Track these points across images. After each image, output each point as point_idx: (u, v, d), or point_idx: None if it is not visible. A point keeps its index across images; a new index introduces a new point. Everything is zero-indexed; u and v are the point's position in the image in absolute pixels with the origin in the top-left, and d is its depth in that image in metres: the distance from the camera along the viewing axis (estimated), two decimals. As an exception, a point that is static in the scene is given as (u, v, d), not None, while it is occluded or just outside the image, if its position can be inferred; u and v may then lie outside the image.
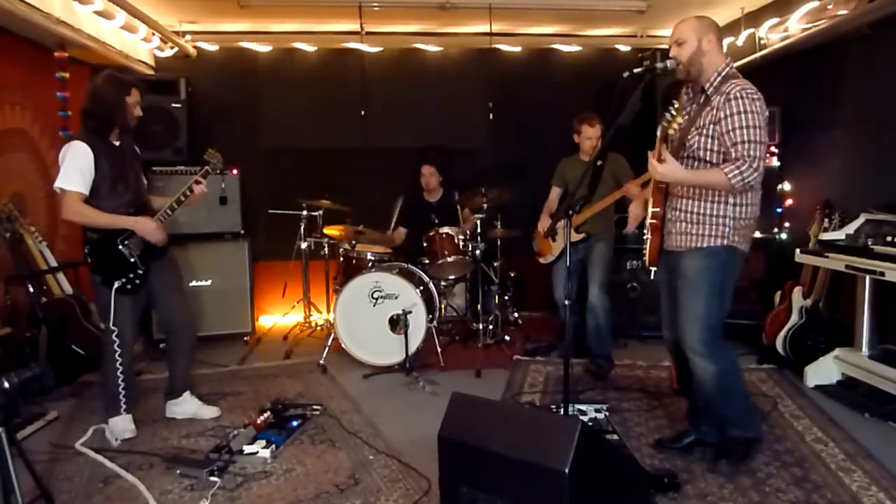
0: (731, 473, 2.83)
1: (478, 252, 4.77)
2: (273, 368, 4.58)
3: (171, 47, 5.44)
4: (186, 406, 3.62)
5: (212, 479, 2.85)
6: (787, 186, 4.90)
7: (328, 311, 5.20)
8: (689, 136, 2.78)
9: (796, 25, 4.46)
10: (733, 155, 2.63)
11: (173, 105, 5.05)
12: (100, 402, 3.49)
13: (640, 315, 5.08)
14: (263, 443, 3.16)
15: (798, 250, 4.03)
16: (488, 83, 5.96)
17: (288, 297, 5.41)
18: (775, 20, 4.71)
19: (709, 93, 2.76)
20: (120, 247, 3.27)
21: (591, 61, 6.12)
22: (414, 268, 4.72)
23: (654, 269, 2.99)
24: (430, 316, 4.45)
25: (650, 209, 2.90)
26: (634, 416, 3.58)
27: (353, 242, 4.73)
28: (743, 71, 2.88)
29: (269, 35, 5.78)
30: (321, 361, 4.50)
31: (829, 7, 4.17)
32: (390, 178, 5.80)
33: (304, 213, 5.17)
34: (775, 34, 4.73)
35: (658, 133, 2.75)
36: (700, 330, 2.79)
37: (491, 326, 5.03)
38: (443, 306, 5.15)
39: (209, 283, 5.07)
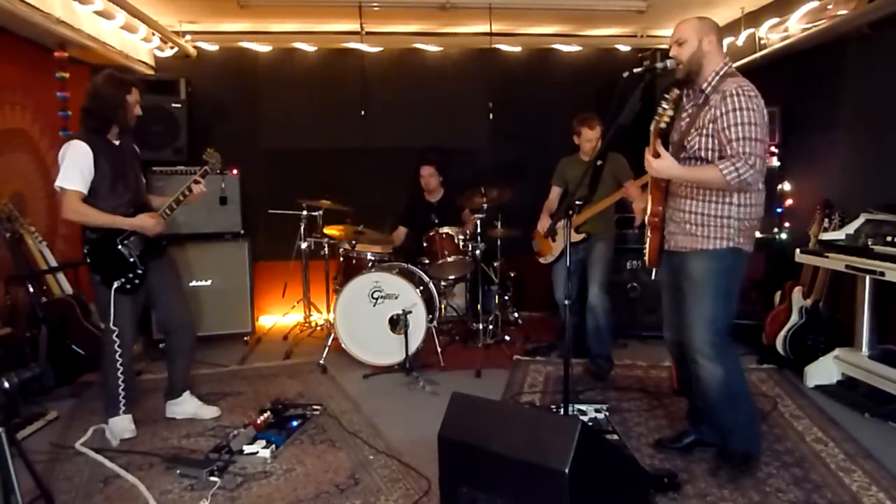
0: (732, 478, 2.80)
1: (478, 252, 4.78)
2: (273, 368, 4.58)
3: (171, 47, 5.44)
4: (186, 406, 3.62)
5: (212, 479, 2.85)
6: (787, 186, 4.91)
7: (328, 311, 5.20)
8: (689, 138, 2.78)
9: (796, 25, 4.46)
10: (729, 152, 2.62)
11: (173, 105, 5.05)
12: (100, 402, 3.49)
13: (640, 315, 5.08)
14: (263, 443, 3.16)
15: (798, 250, 4.03)
16: (488, 83, 5.96)
17: (288, 297, 5.41)
18: (775, 20, 4.71)
19: (707, 92, 2.76)
20: (119, 246, 3.27)
21: (591, 61, 6.12)
22: (414, 268, 4.72)
23: (654, 269, 2.99)
24: (430, 316, 4.45)
25: (650, 207, 2.90)
26: (634, 416, 3.58)
27: (353, 242, 4.74)
28: (743, 71, 2.88)
29: (269, 35, 5.78)
30: (321, 361, 4.50)
31: (829, 7, 4.17)
32: (390, 178, 5.81)
33: (304, 213, 5.17)
34: (775, 34, 4.73)
35: (651, 128, 2.75)
36: (708, 333, 2.76)
37: (491, 326, 5.03)
38: (443, 306, 5.15)
39: (209, 283, 5.07)
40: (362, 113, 5.75)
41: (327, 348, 4.58)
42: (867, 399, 3.59)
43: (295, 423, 3.44)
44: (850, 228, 3.83)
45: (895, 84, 3.88)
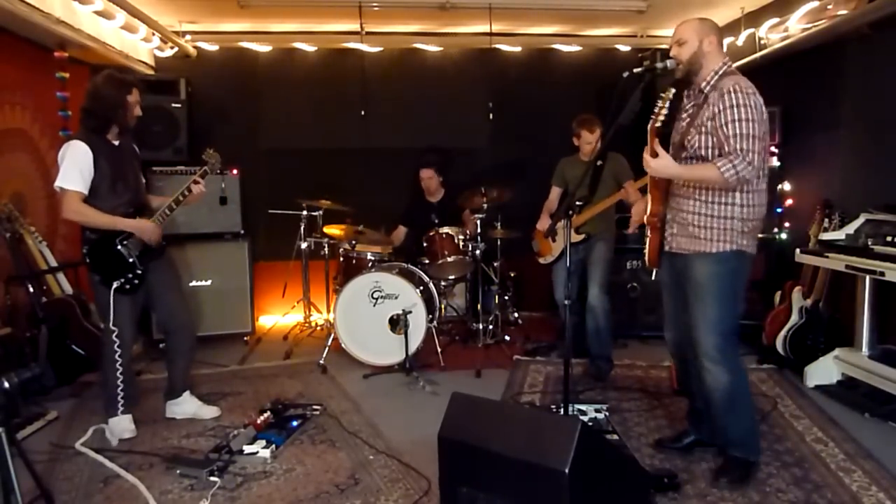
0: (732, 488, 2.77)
1: (478, 252, 4.78)
2: (273, 368, 4.58)
3: (171, 47, 5.44)
4: (186, 406, 3.61)
5: (212, 479, 2.85)
6: (787, 186, 4.91)
7: (328, 311, 5.20)
8: (689, 137, 2.77)
9: (796, 25, 4.46)
10: (727, 149, 2.61)
11: (173, 105, 5.05)
12: (100, 402, 3.49)
13: (640, 315, 5.07)
14: (263, 443, 3.16)
15: (798, 250, 4.03)
16: (488, 83, 5.97)
17: (288, 297, 5.41)
18: (775, 20, 4.71)
19: (706, 91, 2.76)
20: (119, 247, 3.27)
21: (591, 61, 6.12)
22: (414, 268, 4.72)
23: (655, 269, 2.98)
24: (430, 316, 4.45)
25: (649, 207, 2.90)
26: (634, 416, 3.58)
27: (353, 242, 4.74)
28: (743, 71, 2.88)
29: (269, 35, 5.78)
30: (321, 361, 4.50)
31: (829, 7, 4.17)
32: (390, 178, 5.81)
33: (304, 213, 5.17)
34: (775, 34, 4.73)
35: (648, 127, 2.74)
36: (715, 336, 2.74)
37: (491, 326, 5.03)
38: (443, 306, 5.15)
39: (209, 283, 5.07)
40: (362, 113, 5.75)
41: (327, 348, 4.58)
42: (867, 399, 3.59)
43: (295, 423, 3.44)
44: (850, 228, 3.83)
45: (895, 84, 3.88)
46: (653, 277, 3.00)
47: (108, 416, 3.36)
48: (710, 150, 2.71)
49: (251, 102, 5.87)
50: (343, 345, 4.48)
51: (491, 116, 5.85)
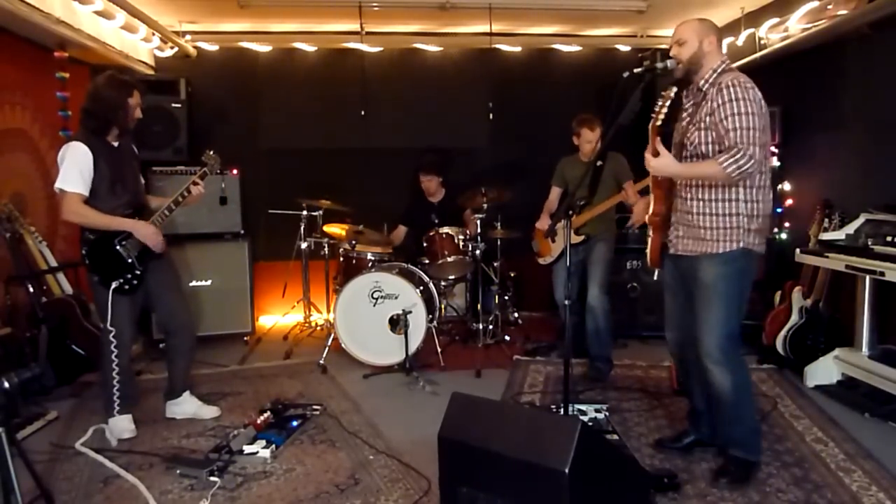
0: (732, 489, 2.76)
1: (478, 252, 4.78)
2: (273, 368, 4.58)
3: (171, 47, 5.44)
4: (186, 406, 3.61)
5: (212, 479, 2.85)
6: (787, 186, 4.91)
7: (328, 311, 5.20)
8: (688, 134, 2.77)
9: (796, 25, 4.46)
10: (728, 143, 2.60)
11: (173, 105, 5.05)
12: (100, 402, 3.48)
13: (640, 315, 5.07)
14: (263, 443, 3.15)
15: (798, 250, 4.03)
16: (488, 83, 5.96)
17: (288, 297, 5.41)
18: (775, 20, 4.71)
19: (704, 89, 2.76)
20: (118, 247, 3.27)
21: (591, 61, 6.12)
22: (414, 268, 4.72)
23: (657, 269, 2.97)
24: (430, 316, 4.45)
25: (651, 207, 2.89)
26: (634, 416, 3.58)
27: (353, 242, 4.74)
28: (743, 71, 2.87)
29: (269, 35, 5.78)
30: (321, 361, 4.50)
31: (829, 7, 4.17)
32: (390, 178, 5.81)
33: (304, 213, 5.17)
34: (775, 34, 4.73)
35: (649, 126, 2.74)
36: (719, 338, 2.73)
37: (491, 326, 5.03)
38: (443, 306, 5.15)
39: (209, 283, 5.07)
40: (362, 113, 5.75)
41: (327, 348, 4.58)
42: (867, 399, 3.59)
43: (295, 423, 3.44)
44: (850, 228, 3.83)
45: (895, 84, 3.88)
46: (655, 278, 2.99)
47: (107, 416, 3.36)
48: (709, 146, 2.71)
49: (251, 102, 5.87)
50: (343, 345, 4.48)
51: (491, 116, 5.85)
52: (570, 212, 3.01)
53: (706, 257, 2.75)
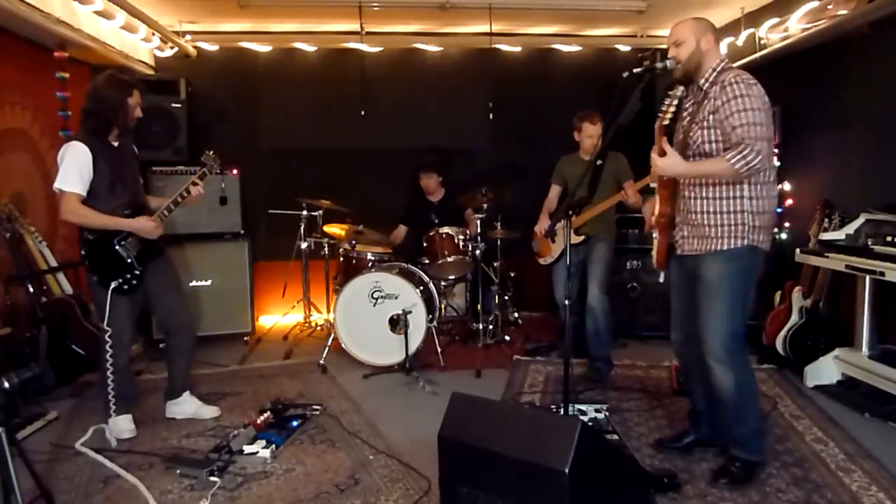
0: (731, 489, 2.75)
1: (478, 252, 4.78)
2: (273, 368, 4.58)
3: (171, 47, 5.44)
4: (186, 406, 3.61)
5: (212, 479, 2.85)
6: (787, 186, 4.90)
7: (328, 311, 5.20)
8: (691, 133, 2.76)
9: (796, 25, 4.46)
10: (733, 140, 2.59)
11: (173, 105, 5.05)
12: (100, 402, 3.47)
13: (640, 315, 5.07)
14: (263, 443, 3.15)
15: (798, 250, 4.03)
16: (488, 83, 5.97)
17: (288, 297, 5.41)
18: (775, 20, 4.71)
19: (704, 88, 2.76)
20: (117, 247, 3.27)
21: (591, 61, 6.12)
22: (414, 268, 4.72)
23: (662, 271, 2.96)
24: (430, 316, 4.45)
25: (656, 207, 2.88)
26: (634, 416, 3.58)
27: (353, 242, 4.74)
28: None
29: (269, 35, 5.78)
30: (321, 361, 4.50)
31: (829, 7, 4.17)
32: (390, 178, 5.81)
33: (304, 213, 5.17)
34: (775, 34, 4.72)
35: (655, 126, 2.74)
36: (724, 337, 2.72)
37: (491, 326, 5.03)
38: (443, 306, 5.15)
39: (209, 283, 5.07)
40: (362, 113, 5.75)
41: (327, 348, 4.58)
42: (867, 399, 3.59)
43: (295, 423, 3.44)
44: (850, 228, 3.83)
45: (895, 84, 3.88)
46: (661, 280, 2.97)
47: (107, 417, 3.36)
48: (713, 145, 2.70)
49: (251, 102, 5.87)
50: (343, 345, 4.48)
51: (491, 116, 5.85)
52: (570, 212, 3.00)
53: (710, 255, 2.73)
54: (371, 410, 3.72)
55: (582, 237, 4.19)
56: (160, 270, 3.46)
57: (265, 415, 3.41)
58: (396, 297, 4.37)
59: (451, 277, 5.10)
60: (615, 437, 3.22)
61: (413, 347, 4.28)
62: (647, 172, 3.76)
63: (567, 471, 2.00)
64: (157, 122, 4.92)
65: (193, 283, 4.97)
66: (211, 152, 3.51)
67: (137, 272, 3.31)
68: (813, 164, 4.67)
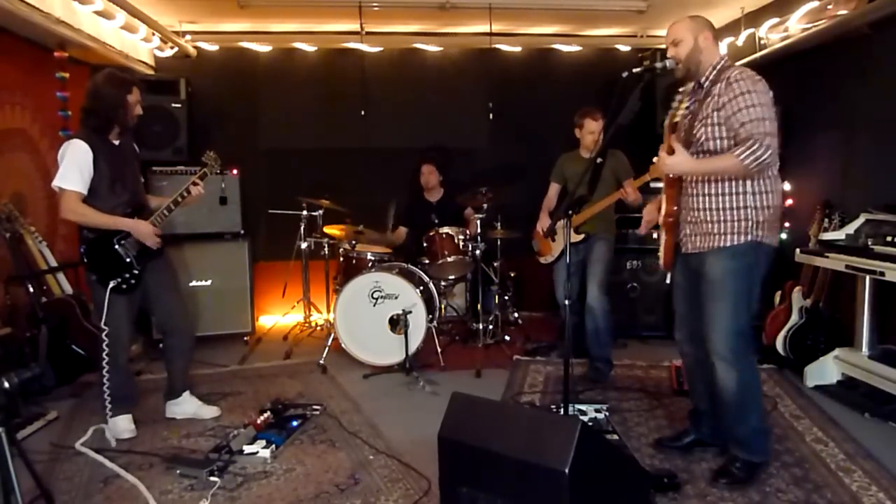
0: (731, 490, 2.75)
1: (478, 252, 4.78)
2: (273, 368, 4.58)
3: (171, 47, 5.44)
4: (186, 406, 3.61)
5: (212, 479, 2.85)
6: (787, 186, 4.90)
7: (328, 311, 5.20)
8: (694, 131, 2.75)
9: (796, 25, 4.46)
10: (742, 136, 2.58)
11: (173, 105, 5.05)
12: (99, 401, 3.47)
13: (640, 315, 5.07)
14: (263, 443, 3.15)
15: (798, 250, 4.03)
16: (488, 83, 5.97)
17: (288, 297, 5.41)
18: (775, 20, 4.71)
19: (706, 86, 2.76)
20: (116, 246, 3.27)
21: (591, 61, 6.12)
22: (414, 268, 4.72)
23: (668, 272, 2.95)
24: (430, 316, 4.45)
25: (663, 207, 2.87)
26: (634, 416, 3.58)
27: (353, 242, 4.74)
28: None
29: (269, 35, 5.78)
30: (321, 361, 4.50)
31: (829, 7, 4.17)
32: (390, 178, 5.81)
33: (304, 213, 5.17)
34: (775, 34, 4.73)
35: (665, 124, 2.73)
36: (729, 336, 2.70)
37: (491, 326, 5.03)
38: (443, 306, 5.15)
39: (209, 283, 5.07)
40: (362, 113, 5.75)
41: (327, 348, 4.58)
42: (867, 399, 3.59)
43: (295, 423, 3.44)
44: (850, 228, 3.83)
45: (895, 84, 3.88)
46: (668, 281, 2.96)
47: (106, 417, 3.36)
48: (717, 141, 2.69)
49: (251, 102, 5.88)
50: (343, 345, 4.48)
51: (491, 116, 5.85)
52: (570, 211, 3.00)
53: (713, 252, 2.72)
54: (371, 410, 3.72)
55: (582, 235, 4.19)
56: (159, 270, 3.46)
57: (265, 415, 3.41)
58: (396, 297, 4.37)
59: (451, 277, 5.10)
60: (615, 437, 3.22)
61: (413, 347, 4.28)
62: (646, 171, 3.77)
63: (567, 471, 2.00)
64: (157, 122, 4.92)
65: (193, 283, 4.97)
66: (211, 152, 3.51)
67: (136, 272, 3.31)
68: (813, 164, 4.67)
